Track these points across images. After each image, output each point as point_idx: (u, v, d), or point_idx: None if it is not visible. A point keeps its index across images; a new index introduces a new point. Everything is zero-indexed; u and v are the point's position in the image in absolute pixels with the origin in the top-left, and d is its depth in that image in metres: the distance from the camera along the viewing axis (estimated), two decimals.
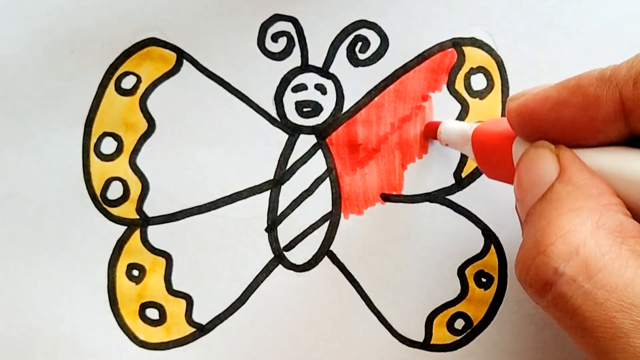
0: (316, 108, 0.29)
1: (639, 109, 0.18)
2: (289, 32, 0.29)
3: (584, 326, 0.17)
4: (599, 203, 0.18)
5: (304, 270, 0.29)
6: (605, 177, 0.19)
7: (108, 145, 0.29)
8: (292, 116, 0.29)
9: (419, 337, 0.29)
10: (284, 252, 0.29)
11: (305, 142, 0.29)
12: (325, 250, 0.29)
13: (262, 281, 0.29)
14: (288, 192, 0.29)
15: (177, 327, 0.29)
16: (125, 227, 0.29)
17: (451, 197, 0.29)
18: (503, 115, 0.29)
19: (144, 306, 0.29)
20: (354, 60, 0.29)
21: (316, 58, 0.29)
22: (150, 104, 0.29)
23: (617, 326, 0.17)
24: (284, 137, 0.29)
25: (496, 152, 0.23)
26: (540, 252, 0.18)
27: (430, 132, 0.28)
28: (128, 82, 0.29)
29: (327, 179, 0.29)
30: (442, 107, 0.29)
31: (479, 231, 0.29)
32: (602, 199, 0.19)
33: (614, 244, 0.18)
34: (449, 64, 0.29)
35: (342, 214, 0.29)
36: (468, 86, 0.29)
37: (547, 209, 0.19)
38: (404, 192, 0.29)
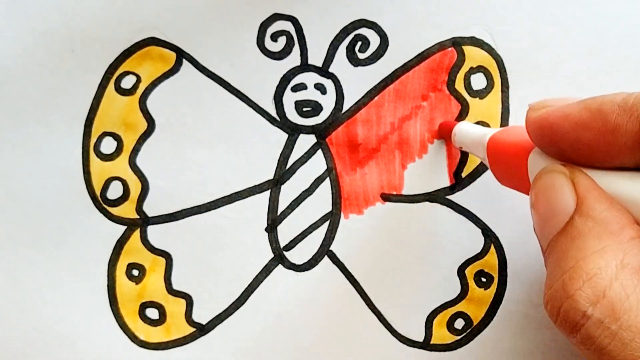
0: (316, 108, 0.29)
1: None
2: (288, 32, 0.29)
3: None
4: (621, 241, 0.19)
5: (304, 270, 0.29)
6: (623, 203, 0.19)
7: (108, 145, 0.29)
8: (292, 116, 0.29)
9: (419, 337, 0.29)
10: (284, 252, 0.29)
11: (305, 141, 0.29)
12: (325, 250, 0.29)
13: (262, 281, 0.29)
14: (288, 192, 0.29)
15: (177, 327, 0.29)
16: (125, 227, 0.29)
17: (451, 197, 0.29)
18: (503, 116, 0.29)
19: (143, 306, 0.29)
20: (354, 60, 0.29)
21: (316, 57, 0.29)
22: (150, 103, 0.29)
23: None
24: (283, 136, 0.29)
25: (511, 162, 0.23)
26: (569, 297, 0.19)
27: (444, 132, 0.28)
28: (128, 82, 0.29)
29: (327, 179, 0.29)
30: (442, 106, 0.29)
31: (479, 231, 0.29)
32: (624, 235, 0.19)
33: (639, 283, 0.18)
34: (449, 64, 0.29)
35: (342, 214, 0.29)
36: (468, 86, 0.29)
37: (570, 248, 0.19)
38: (404, 192, 0.29)
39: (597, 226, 0.19)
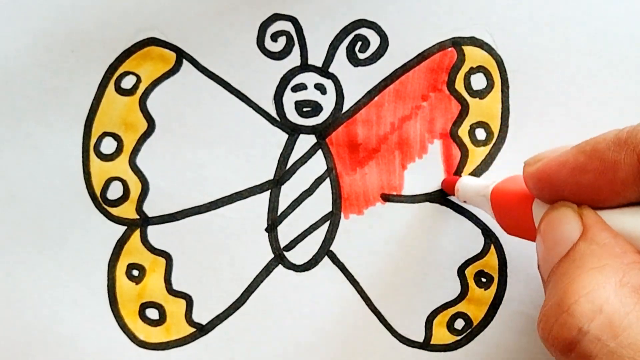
0: (316, 108, 0.29)
1: None
2: (288, 32, 0.29)
3: None
4: (622, 262, 0.19)
5: (304, 270, 0.29)
6: (629, 237, 0.19)
7: (108, 145, 0.29)
8: (292, 116, 0.29)
9: (419, 337, 0.29)
10: (284, 252, 0.29)
11: (305, 142, 0.29)
12: (325, 250, 0.29)
13: (262, 281, 0.29)
14: (288, 192, 0.29)
15: (177, 327, 0.29)
16: (125, 227, 0.29)
17: (451, 197, 0.29)
18: (503, 116, 0.29)
19: (144, 306, 0.29)
20: (354, 60, 0.29)
21: (316, 57, 0.29)
22: (150, 103, 0.29)
23: None
24: (283, 137, 0.29)
25: (516, 212, 0.23)
26: (564, 311, 0.18)
27: (448, 189, 0.28)
28: (128, 82, 0.29)
29: (327, 179, 0.29)
30: (442, 106, 0.29)
31: (479, 231, 0.29)
32: (626, 258, 0.19)
33: (638, 302, 0.18)
34: (449, 64, 0.29)
35: (342, 214, 0.29)
36: (468, 86, 0.29)
37: (570, 268, 0.19)
38: (404, 192, 0.29)
39: (599, 248, 0.19)
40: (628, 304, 0.18)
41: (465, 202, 0.28)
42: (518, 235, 0.24)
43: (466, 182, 0.27)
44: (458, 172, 0.29)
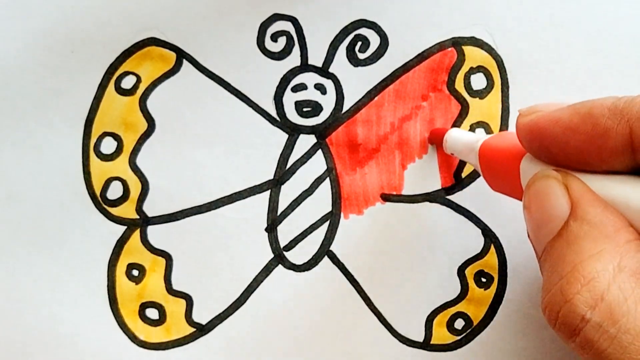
0: (316, 108, 0.29)
1: None
2: (288, 32, 0.29)
3: None
4: (617, 243, 0.19)
5: (304, 270, 0.29)
6: (615, 206, 0.19)
7: (108, 145, 0.29)
8: (292, 116, 0.29)
9: (419, 337, 0.29)
10: (284, 252, 0.29)
11: (305, 142, 0.29)
12: (325, 250, 0.29)
13: (262, 281, 0.29)
14: (288, 192, 0.29)
15: (177, 327, 0.29)
16: (125, 227, 0.29)
17: (451, 197, 0.29)
18: (503, 116, 0.29)
19: (143, 306, 0.29)
20: (354, 60, 0.29)
21: (316, 58, 0.29)
22: (150, 103, 0.29)
23: None
24: (283, 137, 0.29)
25: (504, 168, 0.23)
26: (567, 301, 0.19)
27: (436, 139, 0.28)
28: (128, 82, 0.29)
29: (327, 179, 0.29)
30: (442, 106, 0.29)
31: (479, 231, 0.29)
32: (620, 237, 0.19)
33: (636, 286, 0.18)
34: (449, 64, 0.29)
35: (342, 214, 0.29)
36: (468, 86, 0.29)
37: (567, 253, 0.19)
38: (404, 192, 0.29)
39: (593, 230, 0.19)
40: (626, 290, 0.18)
41: (452, 154, 0.27)
42: (503, 192, 0.24)
43: (455, 135, 0.27)
44: (458, 172, 0.29)
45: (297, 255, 0.29)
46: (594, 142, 0.19)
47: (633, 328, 0.18)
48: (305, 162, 0.29)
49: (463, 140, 0.26)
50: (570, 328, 0.19)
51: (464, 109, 0.29)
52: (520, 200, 0.22)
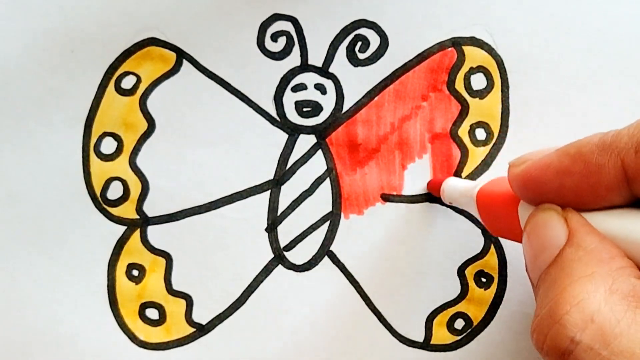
0: (316, 108, 0.29)
1: None
2: (288, 32, 0.29)
3: None
4: (610, 268, 0.19)
5: (304, 270, 0.29)
6: (614, 240, 0.19)
7: (108, 145, 0.29)
8: (292, 116, 0.29)
9: (419, 337, 0.29)
10: (284, 252, 0.29)
11: (305, 142, 0.29)
12: (325, 250, 0.29)
13: (262, 281, 0.29)
14: (288, 192, 0.29)
15: (177, 327, 0.29)
16: (125, 227, 0.29)
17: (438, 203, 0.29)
18: (503, 116, 0.29)
19: (143, 306, 0.29)
20: (354, 60, 0.29)
21: (316, 58, 0.29)
22: (150, 103, 0.29)
23: None
24: (284, 137, 0.29)
25: (502, 214, 0.23)
26: (556, 322, 0.18)
27: (434, 190, 0.28)
28: (128, 82, 0.29)
29: (327, 179, 0.29)
30: (442, 106, 0.29)
31: (479, 231, 0.29)
32: (614, 263, 0.19)
33: (629, 309, 0.18)
34: (449, 64, 0.29)
35: (342, 214, 0.29)
36: (468, 86, 0.29)
37: (559, 276, 0.19)
38: (404, 192, 0.29)
39: (587, 255, 0.19)
40: (618, 312, 0.18)
41: (451, 203, 0.28)
42: (504, 236, 0.24)
43: (452, 184, 0.27)
44: (458, 173, 0.29)
45: (297, 255, 0.29)
46: (587, 180, 0.19)
47: (626, 351, 0.17)
48: (305, 162, 0.29)
49: (460, 188, 0.27)
50: (560, 351, 0.18)
51: (464, 109, 0.29)
52: (521, 242, 0.22)
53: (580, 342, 0.18)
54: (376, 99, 0.29)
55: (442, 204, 0.29)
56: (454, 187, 0.27)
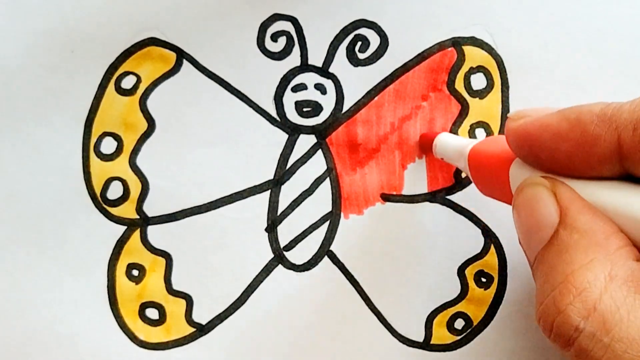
0: (316, 108, 0.29)
1: (636, 154, 0.19)
2: (288, 32, 0.29)
3: None
4: (608, 251, 0.19)
5: (304, 270, 0.29)
6: (606, 212, 0.19)
7: (108, 145, 0.29)
8: (292, 116, 0.29)
9: (419, 337, 0.29)
10: (284, 252, 0.29)
11: (305, 142, 0.29)
12: (325, 250, 0.29)
13: (262, 281, 0.29)
14: (288, 192, 0.29)
15: (177, 327, 0.29)
16: (125, 227, 0.29)
17: (451, 197, 0.29)
18: (503, 116, 0.29)
19: (143, 306, 0.29)
20: (354, 60, 0.29)
21: (316, 58, 0.29)
22: (150, 103, 0.29)
23: None
24: (283, 137, 0.29)
25: (493, 173, 0.23)
26: (560, 312, 0.19)
27: (425, 144, 0.28)
28: (128, 82, 0.29)
29: (327, 179, 0.29)
30: (442, 106, 0.29)
31: (479, 231, 0.29)
32: (610, 245, 0.19)
33: (628, 295, 0.18)
34: (449, 64, 0.29)
35: (342, 214, 0.29)
36: (468, 86, 0.29)
37: (558, 263, 0.19)
38: (404, 192, 0.29)
39: (583, 238, 0.19)
40: (618, 298, 0.18)
41: (442, 159, 0.27)
42: (493, 196, 0.24)
43: (444, 139, 0.27)
44: (458, 172, 0.29)
45: (297, 255, 0.29)
46: (582, 148, 0.19)
47: (626, 337, 0.18)
48: (305, 162, 0.29)
49: (452, 144, 0.26)
50: (565, 338, 0.19)
51: (464, 109, 0.29)
52: (510, 204, 0.22)
53: (584, 330, 0.18)
54: (376, 99, 0.29)
55: (443, 203, 0.29)
56: (447, 142, 0.27)
